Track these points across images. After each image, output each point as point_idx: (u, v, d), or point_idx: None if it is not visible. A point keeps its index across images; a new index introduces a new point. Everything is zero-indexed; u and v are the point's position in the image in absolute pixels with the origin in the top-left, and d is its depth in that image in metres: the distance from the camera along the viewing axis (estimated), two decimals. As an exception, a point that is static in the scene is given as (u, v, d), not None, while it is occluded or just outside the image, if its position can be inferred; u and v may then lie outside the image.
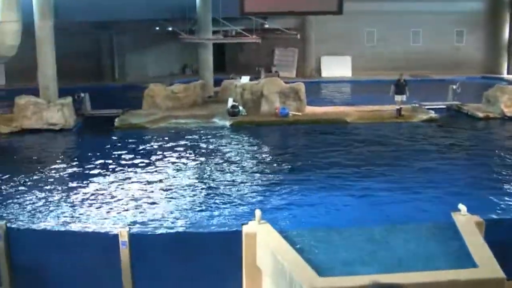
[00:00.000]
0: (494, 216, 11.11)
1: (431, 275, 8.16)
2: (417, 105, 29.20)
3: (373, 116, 27.58)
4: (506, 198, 16.48)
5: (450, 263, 8.50)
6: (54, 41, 27.77)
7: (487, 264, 8.37)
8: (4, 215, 15.12)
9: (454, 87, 30.34)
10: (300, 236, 9.38)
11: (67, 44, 32.49)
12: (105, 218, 15.09)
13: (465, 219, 9.74)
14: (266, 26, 38.49)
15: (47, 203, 16.32)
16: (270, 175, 18.79)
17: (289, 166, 19.91)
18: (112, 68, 41.37)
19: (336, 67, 43.08)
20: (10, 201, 16.46)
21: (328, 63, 43.44)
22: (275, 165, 20.09)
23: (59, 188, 17.72)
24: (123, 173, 19.24)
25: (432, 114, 27.80)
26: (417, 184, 17.80)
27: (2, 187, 17.76)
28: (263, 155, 21.45)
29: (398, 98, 27.25)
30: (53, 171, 19.70)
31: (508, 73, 43.64)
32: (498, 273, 8.17)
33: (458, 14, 43.88)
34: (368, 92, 33.94)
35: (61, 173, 19.48)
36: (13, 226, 11.07)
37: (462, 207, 10.02)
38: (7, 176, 18.91)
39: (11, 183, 18.17)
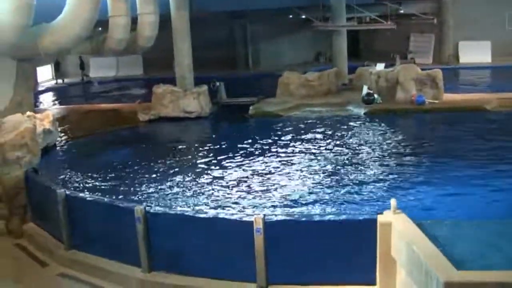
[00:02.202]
0: None
1: None
2: None
3: (517, 104, 26.24)
4: None
5: None
6: (190, 31, 28.41)
7: None
8: (143, 199, 15.68)
9: None
10: (436, 228, 9.12)
11: (202, 34, 33.22)
12: (240, 205, 15.29)
13: None
14: (401, 11, 37.75)
15: (184, 188, 16.79)
16: (406, 165, 18.39)
17: (426, 156, 19.36)
18: (246, 56, 41.99)
19: (475, 53, 41.49)
20: (149, 185, 17.07)
21: (466, 48, 41.97)
22: (411, 154, 19.61)
23: (195, 174, 18.15)
24: (258, 160, 19.44)
25: None
26: None
27: (142, 173, 18.41)
28: (399, 144, 20.99)
29: None
30: (189, 158, 20.24)
31: None
32: None
33: None
34: (510, 78, 32.43)
35: (198, 160, 19.96)
36: (151, 210, 11.39)
37: None
38: (146, 162, 19.62)
39: (150, 169, 18.82)
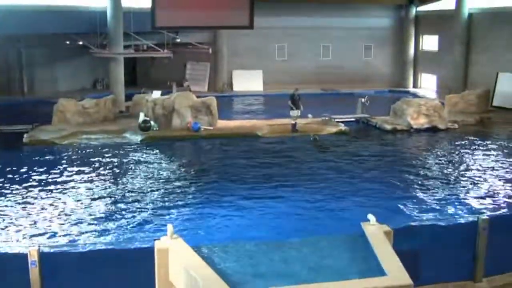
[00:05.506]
0: (402, 225, 11.41)
1: (344, 285, 8.33)
2: (327, 118, 29.72)
3: (284, 130, 27.93)
4: (412, 207, 17.02)
5: (361, 272, 8.70)
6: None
7: (395, 272, 8.61)
8: None
9: (363, 100, 31.02)
10: (213, 251, 9.41)
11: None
12: (14, 238, 14.68)
13: (374, 229, 9.99)
14: (178, 40, 38.47)
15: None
16: (182, 190, 18.74)
17: (201, 181, 19.89)
18: (21, 82, 40.31)
19: (248, 81, 43.39)
20: None
21: (240, 77, 43.72)
22: (187, 180, 20.04)
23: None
24: (32, 191, 18.72)
25: (342, 127, 28.40)
26: (328, 197, 18.14)
27: None
28: (175, 170, 21.34)
29: (294, 113, 27.69)
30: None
31: (413, 87, 45.22)
32: (406, 280, 8.43)
33: (367, 30, 45.29)
34: (279, 106, 34.15)
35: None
36: None
37: (371, 217, 10.27)
38: None
39: None
